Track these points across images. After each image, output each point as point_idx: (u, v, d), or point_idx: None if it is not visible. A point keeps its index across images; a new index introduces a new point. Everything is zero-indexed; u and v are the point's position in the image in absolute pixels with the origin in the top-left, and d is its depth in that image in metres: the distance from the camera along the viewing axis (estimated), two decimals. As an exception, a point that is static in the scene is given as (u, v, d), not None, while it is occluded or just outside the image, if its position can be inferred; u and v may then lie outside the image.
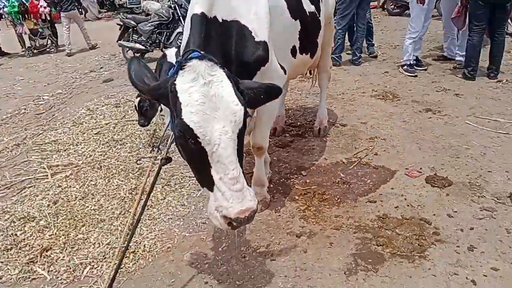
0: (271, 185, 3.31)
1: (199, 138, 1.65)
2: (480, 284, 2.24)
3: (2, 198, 3.45)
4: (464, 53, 5.93)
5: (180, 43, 8.43)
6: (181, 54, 2.33)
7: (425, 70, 6.01)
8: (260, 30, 2.30)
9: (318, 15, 3.09)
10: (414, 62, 5.93)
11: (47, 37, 10.72)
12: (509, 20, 6.10)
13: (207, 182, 1.75)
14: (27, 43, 10.62)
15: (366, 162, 3.57)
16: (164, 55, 4.03)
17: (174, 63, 2.43)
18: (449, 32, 6.18)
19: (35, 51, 10.57)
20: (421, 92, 5.16)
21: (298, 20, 2.79)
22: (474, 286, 2.23)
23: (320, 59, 3.71)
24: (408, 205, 2.95)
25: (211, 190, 1.74)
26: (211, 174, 1.71)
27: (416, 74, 5.77)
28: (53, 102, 6.48)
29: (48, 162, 3.93)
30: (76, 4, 10.50)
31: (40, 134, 4.79)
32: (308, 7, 2.95)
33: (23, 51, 10.58)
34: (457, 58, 6.08)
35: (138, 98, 4.01)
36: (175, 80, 1.72)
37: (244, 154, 2.13)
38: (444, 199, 2.99)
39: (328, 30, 3.65)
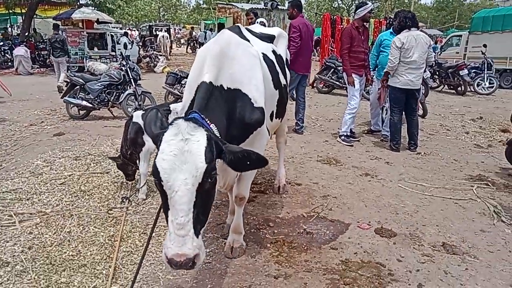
0: (244, 234, 3.61)
1: (163, 182, 1.94)
2: (431, 313, 2.71)
3: (-35, 245, 3.31)
4: (388, 129, 7.02)
5: (128, 104, 8.74)
6: (184, 111, 2.72)
7: (358, 141, 6.91)
8: (258, 98, 2.77)
9: (287, 87, 3.70)
10: (350, 134, 6.82)
11: (-20, 88, 10.28)
12: (419, 104, 7.35)
13: (167, 220, 2.03)
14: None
15: (323, 216, 4.05)
16: (131, 117, 4.35)
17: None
18: (376, 110, 7.27)
19: (-34, 100, 10.03)
20: (358, 159, 5.93)
21: (277, 90, 3.34)
22: (426, 316, 2.69)
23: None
24: (364, 252, 3.42)
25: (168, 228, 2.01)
26: (168, 215, 2.00)
27: (352, 144, 6.62)
28: (-6, 153, 6.23)
29: (11, 210, 3.84)
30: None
31: (-7, 183, 4.63)
32: (283, 80, 3.55)
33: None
34: (383, 133, 7.11)
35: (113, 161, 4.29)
36: (164, 132, 2.06)
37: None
38: (392, 247, 3.52)
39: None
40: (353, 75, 6.49)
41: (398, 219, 4.05)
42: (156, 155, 2.01)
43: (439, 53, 18.16)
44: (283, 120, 4.37)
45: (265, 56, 3.27)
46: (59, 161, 5.30)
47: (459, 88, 13.16)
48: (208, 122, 2.32)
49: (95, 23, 16.93)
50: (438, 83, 13.94)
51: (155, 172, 1.96)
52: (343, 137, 6.73)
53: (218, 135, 2.32)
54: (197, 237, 1.98)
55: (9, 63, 17.23)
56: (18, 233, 3.44)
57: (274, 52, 3.59)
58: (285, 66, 3.90)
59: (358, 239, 3.63)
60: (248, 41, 3.21)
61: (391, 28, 6.94)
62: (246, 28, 3.67)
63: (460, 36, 18.66)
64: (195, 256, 1.93)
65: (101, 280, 2.86)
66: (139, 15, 42.41)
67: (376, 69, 6.99)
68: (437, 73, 13.53)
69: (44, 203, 4.03)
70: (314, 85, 13.10)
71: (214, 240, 3.53)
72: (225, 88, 2.64)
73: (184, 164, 1.94)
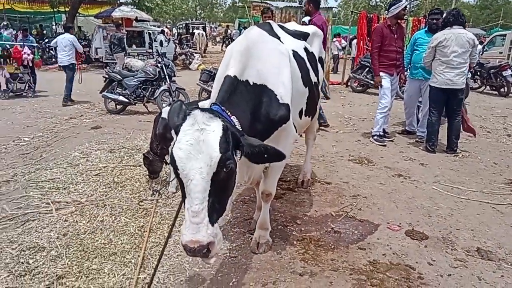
0: (270, 231, 3.61)
1: (179, 170, 2.00)
2: (462, 320, 2.61)
3: (6, 229, 3.50)
4: (424, 129, 6.81)
5: (163, 99, 8.94)
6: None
7: (392, 141, 6.74)
8: (285, 94, 2.76)
9: (318, 85, 3.66)
10: (382, 133, 6.67)
11: (26, 82, 10.81)
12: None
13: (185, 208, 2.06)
14: (3, 86, 10.64)
15: (352, 216, 3.98)
16: (160, 113, 4.44)
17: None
18: (411, 110, 7.06)
19: (11, 94, 10.57)
20: (391, 159, 5.79)
21: (307, 88, 3.32)
22: (457, 322, 2.59)
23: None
24: (393, 253, 3.34)
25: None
26: (185, 203, 2.04)
27: (385, 144, 6.47)
28: (36, 143, 6.54)
29: (49, 198, 4.02)
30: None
31: (32, 173, 4.86)
32: (313, 78, 3.51)
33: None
34: (418, 134, 6.90)
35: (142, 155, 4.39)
36: (183, 123, 2.10)
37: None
38: (423, 250, 3.41)
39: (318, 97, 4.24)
40: (383, 74, 6.33)
41: (430, 221, 3.92)
42: (173, 144, 2.05)
43: (481, 53, 17.40)
44: (314, 118, 4.34)
45: (295, 54, 3.24)
46: (95, 153, 5.49)
47: (502, 89, 12.57)
48: (229, 114, 2.34)
49: (134, 21, 17.40)
50: (479, 83, 13.35)
51: (172, 161, 2.02)
52: (375, 137, 6.58)
53: (240, 128, 2.33)
54: (213, 225, 2.01)
55: (53, 59, 17.98)
56: (54, 220, 3.59)
57: (306, 49, 3.56)
58: (318, 64, 3.85)
59: (387, 240, 3.54)
60: (279, 38, 3.20)
61: (426, 27, 6.73)
62: (279, 25, 3.66)
63: (505, 35, 17.82)
64: (210, 243, 1.96)
65: (130, 269, 2.94)
66: (176, 13, 43.20)
67: (409, 68, 6.79)
68: (478, 73, 12.99)
69: (79, 193, 4.19)
70: (349, 84, 12.90)
71: (241, 235, 3.55)
72: (251, 84, 2.64)
73: (199, 153, 1.97)
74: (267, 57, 2.78)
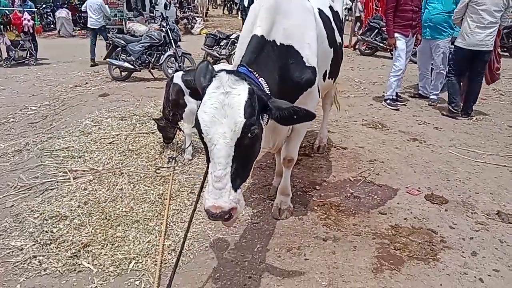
0: (291, 197, 3.59)
1: (203, 134, 1.94)
2: (487, 282, 2.62)
3: (25, 198, 3.50)
4: (437, 92, 6.68)
5: (168, 65, 8.77)
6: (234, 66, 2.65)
7: (405, 105, 6.64)
8: (311, 57, 2.65)
9: (342, 46, 3.52)
10: (395, 97, 6.55)
11: (28, 50, 10.59)
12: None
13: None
14: (4, 54, 10.44)
15: (371, 181, 3.96)
16: (172, 78, 4.33)
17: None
18: (424, 72, 6.90)
19: (13, 62, 10.38)
20: (405, 123, 5.71)
21: (332, 49, 3.19)
22: (482, 283, 2.60)
23: None
24: (414, 218, 3.33)
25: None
26: (209, 167, 1.99)
27: (398, 108, 6.37)
28: (44, 112, 6.47)
29: (65, 167, 4.00)
30: None
31: (45, 142, 4.82)
32: (338, 39, 3.38)
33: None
34: (431, 97, 6.78)
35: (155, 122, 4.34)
36: (208, 85, 2.02)
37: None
38: (444, 214, 3.41)
39: None
40: (398, 35, 6.14)
41: (449, 185, 3.90)
42: (198, 107, 1.99)
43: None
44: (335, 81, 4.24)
45: (321, 12, 3.10)
46: (106, 121, 5.43)
47: (514, 50, 12.28)
48: (257, 76, 2.25)
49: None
50: (490, 44, 13.02)
51: (197, 124, 1.96)
52: (388, 100, 6.47)
53: (267, 91, 2.25)
54: (235, 191, 1.96)
55: (52, 26, 17.58)
56: (73, 189, 3.58)
57: (331, 8, 3.40)
58: (341, 24, 3.70)
59: (407, 205, 3.53)
60: None
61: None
62: None
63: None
64: (232, 209, 1.93)
65: (154, 236, 2.95)
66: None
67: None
68: (489, 33, 12.63)
69: (95, 161, 4.17)
70: (357, 46, 12.61)
71: (261, 201, 3.54)
72: (278, 44, 2.53)
73: (224, 118, 1.91)
74: (293, 15, 2.64)
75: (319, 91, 3.01)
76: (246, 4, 14.82)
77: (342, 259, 2.80)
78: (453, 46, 6.57)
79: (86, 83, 8.66)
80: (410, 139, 5.11)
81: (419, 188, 3.84)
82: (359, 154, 4.57)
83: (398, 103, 6.55)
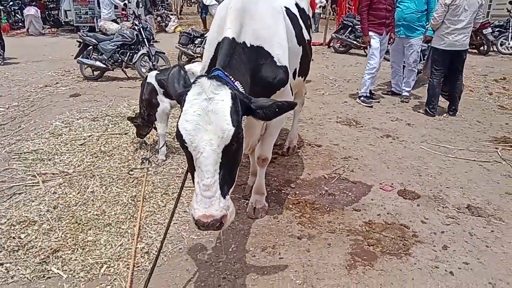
0: (266, 195, 3.59)
1: (186, 143, 1.87)
2: (457, 275, 2.68)
3: (-9, 203, 3.37)
4: (409, 89, 6.82)
5: (142, 64, 8.62)
6: (205, 71, 2.62)
7: (378, 102, 6.74)
8: (282, 56, 2.65)
9: (310, 43, 3.54)
10: (369, 95, 6.65)
11: (-6, 49, 10.21)
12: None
13: (194, 182, 1.96)
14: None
15: (345, 178, 4.00)
16: (146, 77, 4.26)
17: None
18: (397, 70, 7.03)
19: (-20, 62, 9.99)
20: (378, 120, 5.80)
21: (301, 46, 3.20)
22: (452, 277, 2.67)
23: None
24: (388, 213, 3.39)
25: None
26: (194, 176, 1.94)
27: (371, 105, 6.46)
28: (13, 114, 6.25)
29: (34, 170, 3.87)
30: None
31: (13, 144, 4.65)
32: (306, 36, 3.38)
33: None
34: (403, 93, 6.91)
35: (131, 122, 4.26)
36: (188, 91, 1.96)
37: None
38: (416, 209, 3.47)
39: None
40: (372, 34, 6.23)
41: (421, 181, 3.98)
42: (179, 117, 1.93)
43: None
44: (302, 81, 4.24)
45: (288, 10, 3.10)
46: (77, 122, 5.29)
47: (482, 48, 12.62)
48: (232, 79, 2.22)
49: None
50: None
51: (178, 135, 1.89)
52: (362, 97, 6.56)
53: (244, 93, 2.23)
54: (224, 197, 1.93)
55: (20, 24, 17.00)
56: (42, 193, 3.48)
57: (297, 5, 3.40)
58: (308, 20, 3.71)
59: (381, 201, 3.58)
60: None
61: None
62: None
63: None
64: (223, 217, 1.88)
65: (127, 239, 2.89)
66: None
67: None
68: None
69: (65, 164, 4.05)
70: (331, 44, 12.71)
71: (236, 201, 3.51)
72: (248, 45, 2.52)
73: (208, 124, 1.86)
74: (261, 16, 2.63)
75: (291, 90, 3.01)
76: (206, 2, 14.70)
77: (317, 256, 2.82)
78: (425, 44, 6.73)
79: (57, 83, 8.41)
80: (384, 135, 5.19)
81: (392, 184, 3.90)
82: (333, 151, 4.61)
83: (372, 100, 6.65)
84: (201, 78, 1.99)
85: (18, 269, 2.59)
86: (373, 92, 6.88)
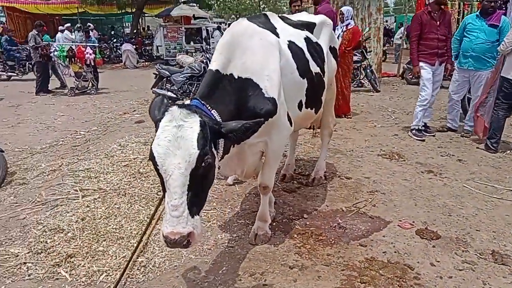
0: (274, 223, 3.65)
1: (158, 166, 2.06)
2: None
3: (38, 212, 3.93)
4: (472, 123, 6.32)
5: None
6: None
7: (433, 136, 6.37)
8: (270, 88, 2.77)
9: (322, 76, 3.59)
10: (423, 127, 6.33)
11: (89, 80, 11.76)
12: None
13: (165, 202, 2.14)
14: (70, 84, 11.69)
15: (364, 212, 3.88)
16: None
17: None
18: (455, 105, 6.56)
19: (77, 91, 11.56)
20: (426, 155, 5.49)
21: (305, 79, 3.29)
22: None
23: (322, 116, 4.20)
24: (395, 252, 3.22)
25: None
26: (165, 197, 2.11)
27: (423, 138, 6.14)
28: (89, 137, 7.15)
29: (80, 186, 4.43)
30: None
31: (75, 163, 5.35)
32: (314, 69, 3.45)
33: (63, 88, 11.63)
34: (465, 127, 6.43)
35: None
36: (161, 119, 2.17)
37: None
38: (430, 250, 3.25)
39: (330, 91, 4.15)
40: (423, 64, 5.98)
41: (449, 221, 3.71)
42: (152, 141, 2.16)
43: None
44: (326, 111, 4.28)
45: (291, 44, 3.23)
46: (130, 145, 5.89)
47: None
48: (209, 108, 2.42)
49: (192, 19, 18.06)
50: None
51: (152, 157, 2.10)
52: (414, 131, 6.27)
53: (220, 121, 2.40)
54: (193, 217, 2.09)
55: (120, 58, 19.32)
56: (78, 206, 3.97)
57: (307, 39, 3.51)
58: (325, 53, 3.77)
59: (393, 238, 3.42)
60: (275, 29, 3.22)
61: (478, 11, 6.23)
62: (281, 16, 3.67)
63: None
64: (190, 234, 2.04)
65: (130, 252, 3.16)
66: (239, 9, 43.81)
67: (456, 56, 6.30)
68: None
69: (107, 182, 4.56)
70: (404, 75, 12.29)
71: (244, 227, 3.63)
72: (236, 77, 2.70)
73: (177, 149, 2.05)
74: (252, 50, 2.81)
75: (290, 121, 3.10)
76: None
77: (302, 287, 2.80)
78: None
79: (134, 110, 9.39)
80: (425, 171, 4.91)
81: (413, 221, 3.69)
82: (361, 184, 4.50)
83: (426, 133, 6.31)
84: (173, 107, 2.22)
85: (36, 269, 3.00)
86: (428, 125, 6.52)
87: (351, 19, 7.42)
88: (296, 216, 3.81)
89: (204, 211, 3.82)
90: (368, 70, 10.29)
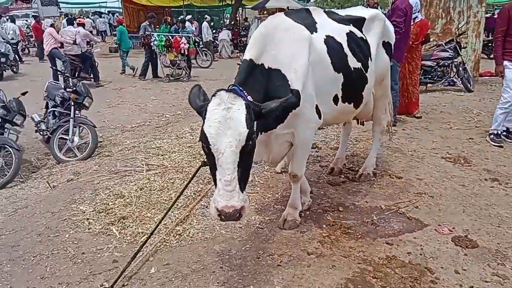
0: (308, 212, 3.80)
1: (210, 145, 2.31)
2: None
3: (110, 179, 4.62)
4: None
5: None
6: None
7: (515, 143, 5.80)
8: (296, 80, 2.94)
9: (364, 72, 3.59)
10: (504, 133, 5.80)
11: (183, 68, 12.77)
12: None
13: (214, 180, 2.41)
14: (166, 71, 12.82)
15: (403, 212, 3.81)
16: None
17: None
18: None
19: (172, 78, 12.66)
20: (498, 162, 5.06)
21: (341, 74, 3.36)
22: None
23: (373, 113, 4.16)
24: (421, 254, 3.16)
25: (216, 186, 2.38)
26: (216, 174, 2.36)
27: (502, 145, 5.63)
28: (171, 119, 7.93)
29: (147, 161, 5.05)
30: None
31: (150, 141, 6.04)
32: (354, 64, 3.49)
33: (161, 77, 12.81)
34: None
35: None
36: (208, 103, 2.45)
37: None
38: (460, 258, 3.12)
39: (381, 87, 4.10)
40: (508, 63, 5.46)
41: (495, 232, 3.48)
42: (203, 123, 2.43)
43: None
44: (377, 108, 4.25)
45: (329, 39, 3.32)
46: (200, 129, 6.40)
47: None
48: (246, 94, 2.68)
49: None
50: None
51: (203, 138, 2.37)
52: (492, 135, 5.77)
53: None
54: (242, 192, 2.37)
55: (216, 48, 20.42)
56: (141, 178, 4.55)
57: (349, 34, 3.54)
58: (371, 49, 3.75)
59: (424, 241, 3.34)
60: (315, 23, 3.33)
61: None
62: (328, 11, 3.74)
63: None
64: (242, 208, 2.32)
65: (171, 221, 3.61)
66: (342, 0, 42.85)
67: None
68: None
69: (171, 160, 5.11)
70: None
71: (279, 212, 3.83)
72: (266, 68, 2.92)
73: (228, 129, 2.31)
74: (284, 43, 2.99)
75: (319, 114, 3.21)
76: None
77: (313, 273, 2.94)
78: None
79: (216, 98, 10.05)
80: (490, 178, 4.56)
81: (453, 228, 3.54)
82: (410, 185, 4.37)
83: (506, 139, 5.77)
84: (220, 91, 2.46)
85: (95, 224, 3.61)
86: (511, 130, 5.94)
87: (418, 12, 6.99)
88: (332, 209, 3.90)
89: (247, 194, 4.11)
90: (460, 68, 9.53)
